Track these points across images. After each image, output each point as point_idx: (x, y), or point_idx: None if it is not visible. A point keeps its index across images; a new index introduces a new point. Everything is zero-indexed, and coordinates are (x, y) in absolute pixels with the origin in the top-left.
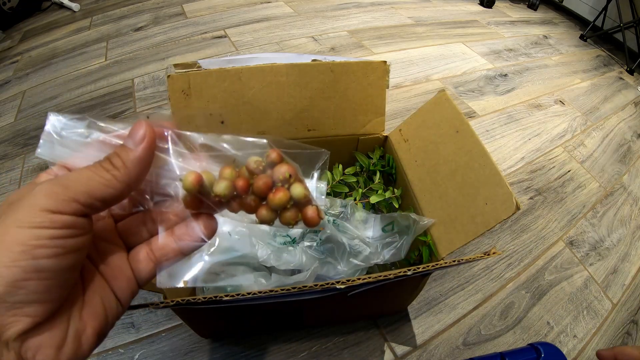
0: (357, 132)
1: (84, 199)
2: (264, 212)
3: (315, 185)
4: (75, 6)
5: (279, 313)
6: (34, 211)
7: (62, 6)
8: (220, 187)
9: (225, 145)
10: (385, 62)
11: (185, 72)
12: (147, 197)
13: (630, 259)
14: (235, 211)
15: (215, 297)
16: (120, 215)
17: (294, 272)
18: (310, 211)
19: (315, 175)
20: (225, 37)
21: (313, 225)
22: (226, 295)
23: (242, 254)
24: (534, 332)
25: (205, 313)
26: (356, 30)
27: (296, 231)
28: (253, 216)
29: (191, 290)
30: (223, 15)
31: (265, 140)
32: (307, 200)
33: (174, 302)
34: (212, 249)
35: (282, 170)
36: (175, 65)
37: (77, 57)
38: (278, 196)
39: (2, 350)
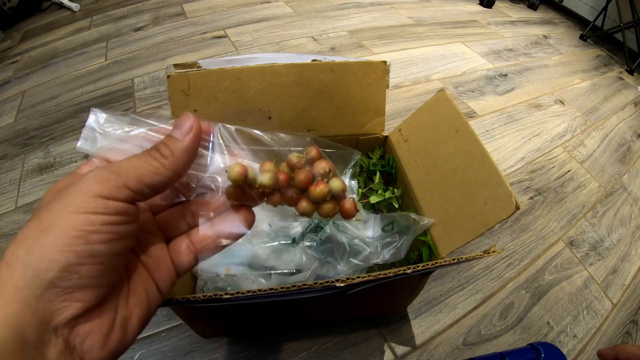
0: (357, 132)
1: (135, 186)
2: (304, 204)
3: (347, 184)
4: (75, 6)
5: (279, 313)
6: (87, 197)
7: (62, 6)
8: (265, 178)
9: (269, 140)
10: (385, 62)
11: (185, 72)
12: (193, 185)
13: (630, 258)
14: (275, 204)
15: (215, 295)
16: (159, 207)
17: (293, 272)
18: (347, 204)
19: (348, 174)
20: (225, 37)
21: (350, 217)
22: (226, 294)
23: (242, 254)
24: (534, 332)
25: (205, 313)
26: (356, 30)
27: (296, 231)
28: (292, 209)
29: (191, 290)
30: (223, 15)
31: (308, 138)
32: (344, 193)
33: (174, 301)
34: (252, 239)
35: (322, 165)
36: (175, 65)
37: (77, 57)
38: (319, 188)
39: (50, 337)
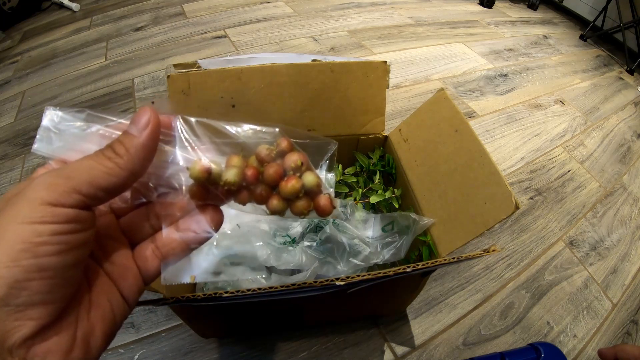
0: (357, 132)
1: (87, 190)
2: (275, 202)
3: (323, 177)
4: (75, 6)
5: (278, 312)
6: (34, 205)
7: (62, 6)
8: (230, 174)
9: (234, 132)
10: (385, 62)
11: (185, 72)
12: (152, 185)
13: (630, 259)
14: (244, 202)
15: (215, 294)
16: (121, 209)
17: (293, 272)
18: (322, 200)
19: (324, 166)
20: (225, 37)
21: (326, 215)
22: (226, 292)
23: (242, 254)
24: (534, 332)
25: (205, 312)
26: (356, 30)
27: (296, 231)
28: (262, 207)
29: (191, 289)
30: (223, 15)
31: (277, 129)
32: (319, 189)
33: (173, 300)
34: (219, 242)
35: (294, 158)
36: (175, 65)
37: (77, 57)
38: (290, 184)
39: (5, 358)
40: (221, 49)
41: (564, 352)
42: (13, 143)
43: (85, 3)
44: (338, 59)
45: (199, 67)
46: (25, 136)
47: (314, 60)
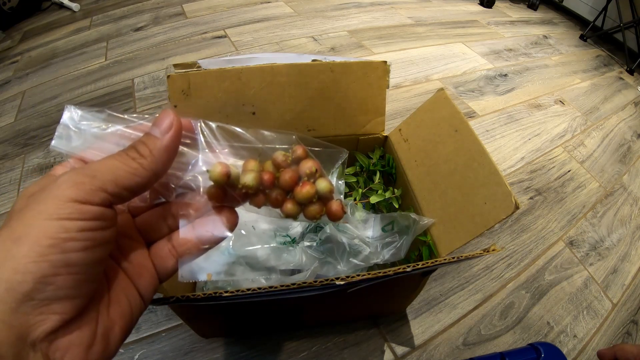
0: (357, 132)
1: (112, 188)
2: (289, 206)
3: (334, 184)
4: (75, 6)
5: (278, 312)
6: (61, 202)
7: (62, 6)
8: (249, 178)
9: (252, 137)
10: (385, 62)
11: (185, 72)
12: (173, 185)
13: (630, 259)
14: (259, 205)
15: (215, 293)
16: (138, 209)
17: (293, 272)
18: (334, 205)
19: (335, 173)
20: (225, 37)
21: (337, 219)
22: (226, 292)
23: (242, 254)
24: (534, 332)
25: (205, 312)
26: (356, 30)
27: (296, 231)
28: (277, 211)
29: (191, 289)
30: (223, 15)
31: (293, 136)
32: (331, 195)
33: (173, 299)
34: (233, 242)
35: (309, 165)
36: (175, 65)
37: (77, 57)
38: (305, 190)
39: (28, 352)
40: (221, 49)
41: (564, 352)
42: (13, 143)
43: (85, 3)
44: (338, 59)
45: (199, 67)
46: (25, 136)
47: (314, 60)
